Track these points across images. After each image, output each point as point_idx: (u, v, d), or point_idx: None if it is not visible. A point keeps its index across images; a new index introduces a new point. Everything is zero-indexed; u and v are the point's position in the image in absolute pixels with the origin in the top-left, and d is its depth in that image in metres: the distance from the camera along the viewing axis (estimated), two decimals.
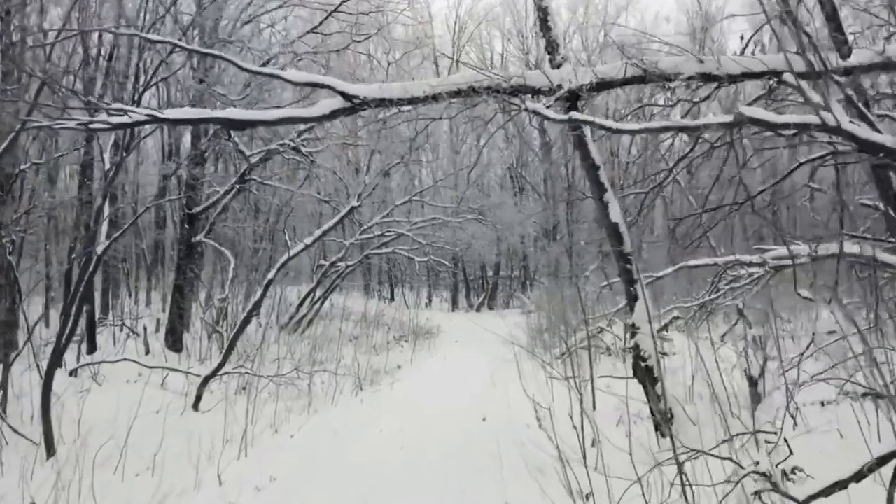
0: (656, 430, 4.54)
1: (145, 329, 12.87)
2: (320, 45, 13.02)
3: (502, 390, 7.90)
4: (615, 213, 4.68)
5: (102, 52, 12.16)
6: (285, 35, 13.32)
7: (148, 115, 4.53)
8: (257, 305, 8.97)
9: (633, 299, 4.59)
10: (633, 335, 4.51)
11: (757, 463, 2.91)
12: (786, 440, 3.32)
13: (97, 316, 14.36)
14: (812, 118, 3.60)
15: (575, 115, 4.35)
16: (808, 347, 5.10)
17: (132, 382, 9.55)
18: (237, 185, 12.49)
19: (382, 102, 4.65)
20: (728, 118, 3.84)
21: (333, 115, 4.67)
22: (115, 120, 4.72)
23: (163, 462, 5.52)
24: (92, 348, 11.76)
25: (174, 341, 12.93)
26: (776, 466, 3.23)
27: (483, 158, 24.35)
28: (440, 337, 16.13)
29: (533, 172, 29.89)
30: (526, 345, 11.36)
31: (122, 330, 13.79)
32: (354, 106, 4.66)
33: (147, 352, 11.95)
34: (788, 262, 9.35)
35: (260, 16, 12.78)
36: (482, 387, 8.51)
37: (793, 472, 3.33)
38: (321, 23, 12.99)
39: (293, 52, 12.48)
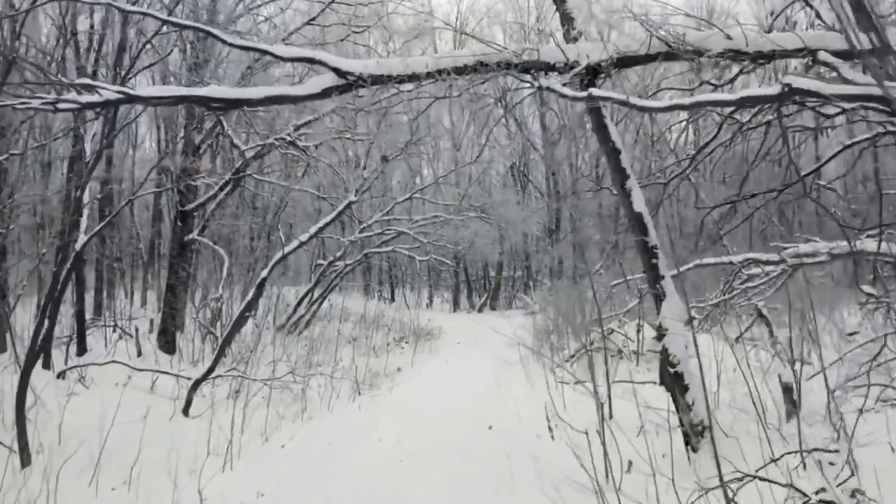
0: (686, 444, 4.07)
1: (137, 330, 12.43)
2: (318, 36, 12.58)
3: (509, 395, 7.43)
4: (639, 202, 4.21)
5: (93, 43, 11.73)
6: (284, 29, 12.90)
7: (119, 93, 4.07)
8: (250, 305, 8.52)
9: (660, 297, 4.12)
10: (660, 337, 4.04)
11: (822, 489, 2.45)
12: (850, 461, 2.86)
13: (89, 316, 13.97)
14: (874, 89, 3.14)
15: (595, 91, 3.88)
16: (880, 352, 4.58)
17: (121, 385, 9.17)
18: (232, 181, 12.06)
19: (380, 79, 4.18)
20: (773, 90, 3.38)
21: (325, 93, 4.21)
22: (85, 99, 4.27)
23: (139, 475, 5.05)
24: (82, 350, 11.34)
25: (166, 343, 12.49)
26: (836, 487, 2.77)
27: (485, 156, 23.83)
28: (442, 338, 15.65)
29: (535, 168, 29.45)
30: (532, 347, 10.90)
31: (114, 331, 13.36)
32: (349, 83, 4.20)
33: (139, 353, 11.55)
34: (808, 259, 8.88)
35: (258, 7, 12.38)
36: (487, 391, 8.04)
37: (853, 495, 2.87)
38: (320, 13, 12.57)
39: (290, 44, 12.03)
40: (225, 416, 6.73)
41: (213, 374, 8.77)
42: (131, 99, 4.17)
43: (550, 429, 5.04)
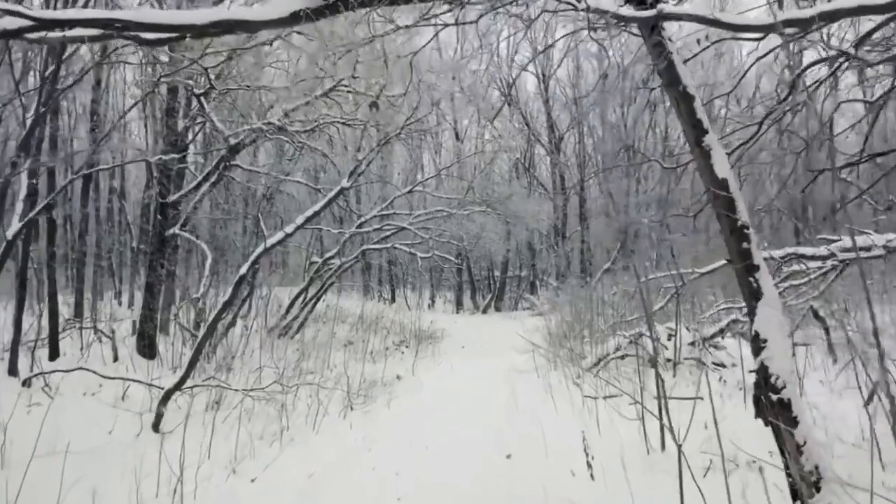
0: (794, 498, 2.94)
1: (113, 332, 11.34)
2: None
3: (527, 412, 6.29)
4: (722, 165, 3.09)
5: None
6: None
7: (9, 13, 2.96)
8: (227, 305, 7.43)
9: (754, 296, 3.00)
10: (756, 351, 2.92)
11: None
12: None
13: (65, 317, 12.96)
14: None
15: (668, 7, 2.76)
16: None
17: (90, 395, 8.18)
18: (216, 170, 11.00)
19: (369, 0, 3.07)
20: None
21: (294, 17, 3.09)
22: None
23: None
24: (54, 354, 10.29)
25: (145, 347, 11.40)
26: None
27: (489, 147, 22.68)
28: (445, 342, 14.51)
29: (539, 163, 28.44)
30: (548, 353, 9.77)
31: (95, 333, 12.32)
32: (326, 4, 3.09)
33: (115, 358, 10.52)
34: (861, 254, 7.72)
35: None
36: (500, 406, 6.89)
37: None
38: None
39: None
40: (197, 434, 5.69)
41: (187, 384, 7.79)
42: (33, 24, 3.05)
43: (589, 464, 3.91)
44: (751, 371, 3.03)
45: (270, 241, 7.32)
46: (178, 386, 7.51)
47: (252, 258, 7.29)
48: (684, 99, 3.10)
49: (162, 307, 12.60)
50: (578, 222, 26.19)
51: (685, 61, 3.28)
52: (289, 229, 7.56)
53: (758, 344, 2.93)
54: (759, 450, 3.92)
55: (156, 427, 7.09)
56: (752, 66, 6.31)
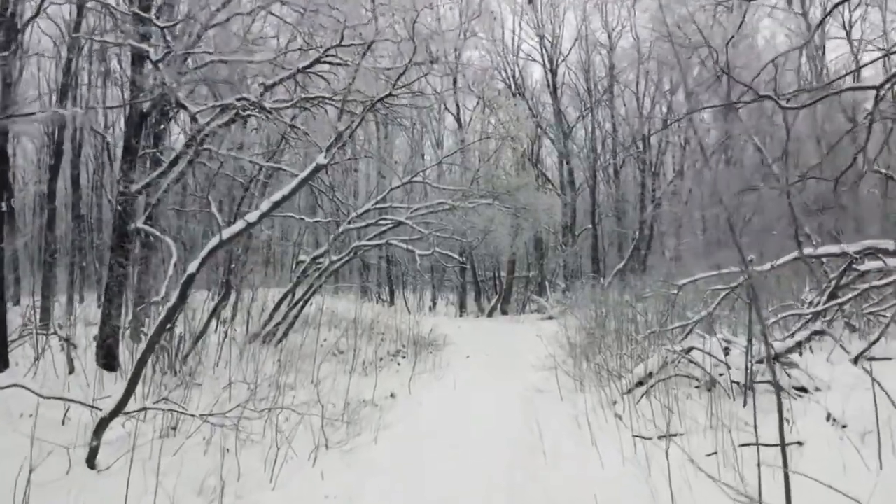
0: None
1: (68, 341, 9.81)
2: None
3: (558, 458, 4.70)
4: None
5: None
6: None
7: None
8: (174, 311, 5.90)
9: None
10: None
11: None
12: None
13: (23, 322, 11.58)
14: None
15: None
16: None
17: (27, 417, 6.69)
18: (184, 155, 9.52)
19: None
20: None
21: None
22: None
23: None
24: (3, 365, 8.81)
25: (105, 357, 9.88)
26: None
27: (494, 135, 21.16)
28: (447, 350, 12.92)
29: (546, 158, 27.02)
30: (568, 366, 8.19)
31: (59, 340, 10.82)
32: None
33: (71, 370, 9.03)
34: None
35: None
36: (520, 446, 5.29)
37: None
38: None
39: None
40: (137, 473, 4.21)
41: (136, 407, 6.37)
42: None
43: None
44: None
45: (227, 233, 5.80)
46: (115, 413, 6.00)
47: (203, 253, 5.77)
48: None
49: (133, 312, 11.19)
50: (590, 219, 24.70)
51: None
52: (251, 217, 6.04)
53: None
54: None
55: (91, 462, 5.65)
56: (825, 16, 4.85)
